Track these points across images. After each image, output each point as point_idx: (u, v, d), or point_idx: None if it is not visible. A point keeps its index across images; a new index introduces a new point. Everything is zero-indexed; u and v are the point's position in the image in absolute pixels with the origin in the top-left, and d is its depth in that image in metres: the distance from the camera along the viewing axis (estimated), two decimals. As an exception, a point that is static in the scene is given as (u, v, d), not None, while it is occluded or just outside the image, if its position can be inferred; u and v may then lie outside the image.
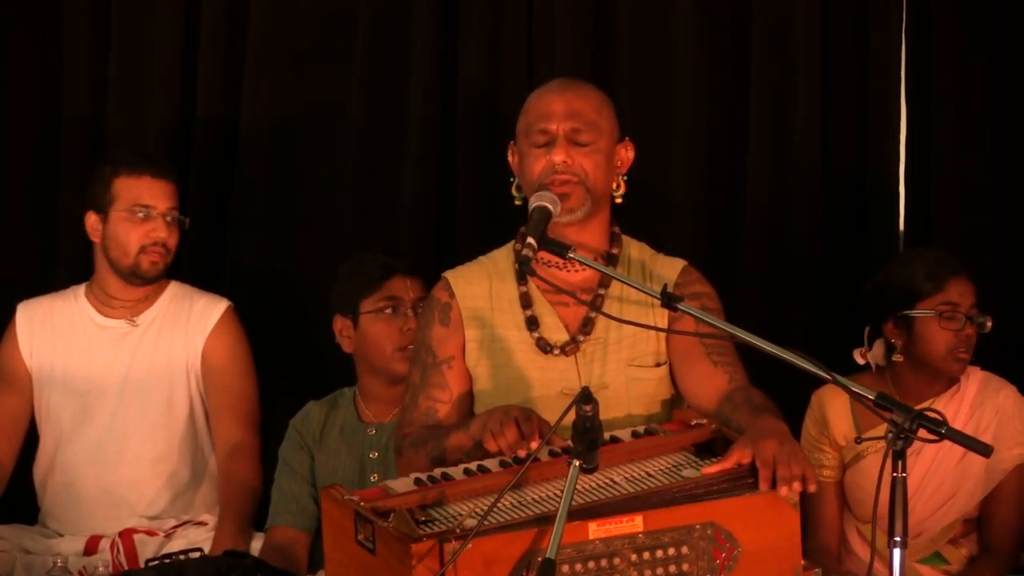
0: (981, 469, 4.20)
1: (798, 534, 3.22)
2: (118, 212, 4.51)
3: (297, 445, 4.47)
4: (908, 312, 4.21)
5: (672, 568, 3.13)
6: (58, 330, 4.58)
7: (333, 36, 5.09)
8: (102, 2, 5.14)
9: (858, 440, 4.13)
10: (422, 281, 4.38)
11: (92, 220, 4.55)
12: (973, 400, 4.25)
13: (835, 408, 4.28)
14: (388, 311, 4.39)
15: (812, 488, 3.20)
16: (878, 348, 4.30)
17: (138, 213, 4.51)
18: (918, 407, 3.16)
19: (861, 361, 4.31)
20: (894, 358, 4.24)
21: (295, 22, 5.10)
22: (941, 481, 4.21)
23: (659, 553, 3.13)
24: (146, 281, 4.55)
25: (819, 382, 3.87)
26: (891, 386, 4.25)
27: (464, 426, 3.58)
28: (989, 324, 4.22)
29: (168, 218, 4.53)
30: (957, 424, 4.12)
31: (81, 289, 4.64)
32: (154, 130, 5.09)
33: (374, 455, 4.42)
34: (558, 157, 3.62)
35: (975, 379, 4.28)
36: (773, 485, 3.18)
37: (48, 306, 4.61)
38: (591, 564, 3.09)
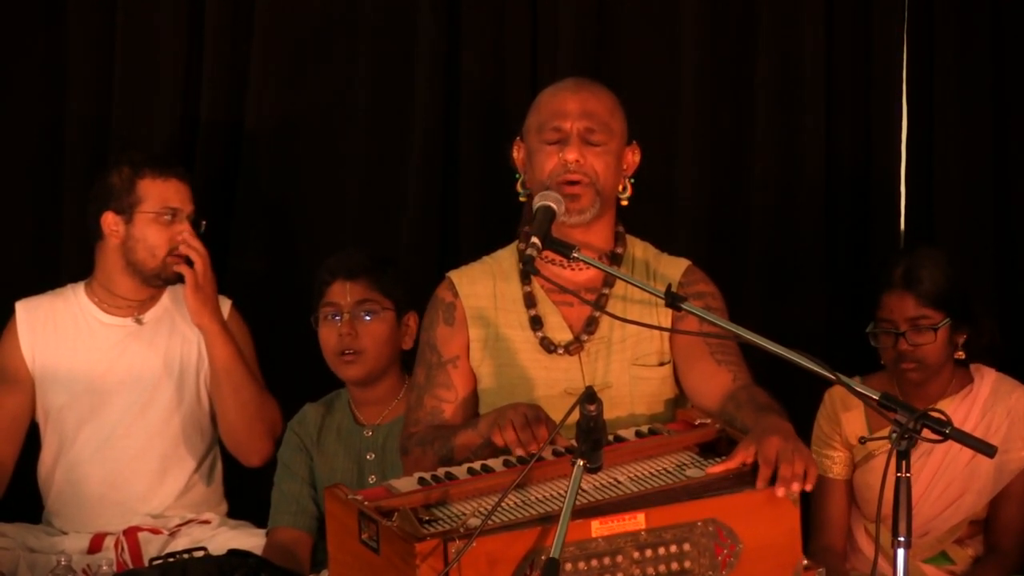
0: (990, 470, 4.19)
1: (798, 530, 3.22)
2: (144, 214, 4.49)
3: (296, 447, 4.48)
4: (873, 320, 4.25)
5: (674, 565, 3.13)
6: (60, 329, 4.57)
7: (336, 38, 5.10)
8: (107, 3, 5.14)
9: (862, 440, 4.13)
10: (369, 283, 4.38)
11: (111, 220, 4.51)
12: (985, 401, 4.25)
13: (848, 407, 4.28)
14: (329, 317, 4.41)
15: (809, 486, 3.20)
16: None
17: (165, 216, 4.51)
18: (928, 407, 3.17)
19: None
20: (882, 361, 4.26)
21: (299, 23, 5.10)
22: (950, 481, 4.21)
23: (661, 550, 3.13)
24: (167, 283, 4.55)
25: (825, 381, 3.87)
26: (896, 386, 4.25)
27: (472, 424, 3.58)
28: (923, 342, 4.16)
29: (191, 220, 4.53)
30: (968, 425, 4.13)
31: (80, 288, 4.62)
32: (158, 131, 5.10)
33: (371, 457, 4.43)
34: (571, 155, 3.62)
35: (988, 380, 4.27)
36: (772, 482, 3.18)
37: (49, 305, 4.59)
38: (594, 562, 3.09)
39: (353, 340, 4.36)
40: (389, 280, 4.40)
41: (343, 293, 4.39)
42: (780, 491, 3.17)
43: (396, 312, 4.40)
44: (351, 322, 4.37)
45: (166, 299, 4.62)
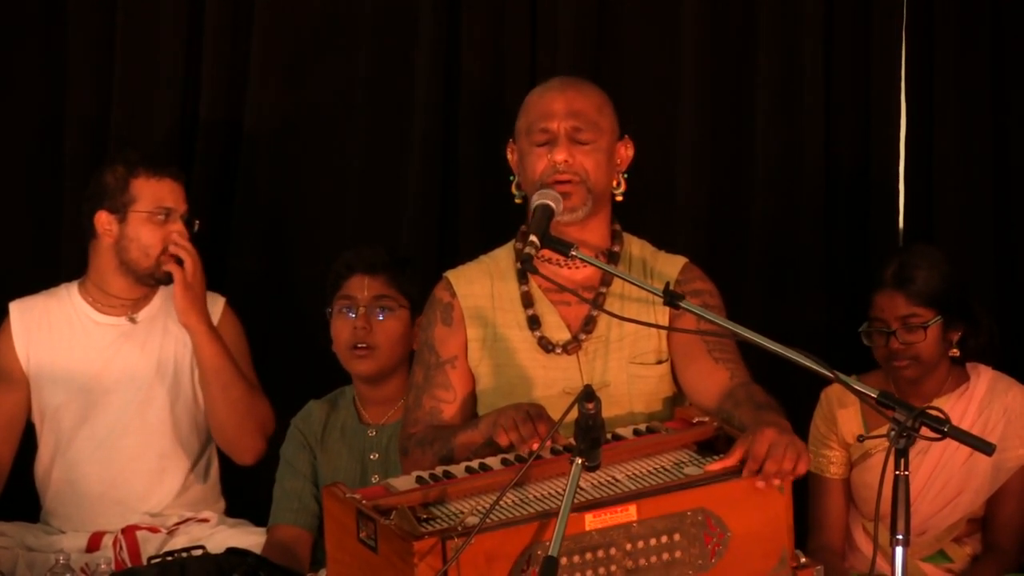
0: (988, 468, 4.19)
1: (783, 517, 3.23)
2: (138, 213, 4.50)
3: (299, 444, 4.48)
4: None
5: (665, 555, 3.15)
6: (55, 329, 4.57)
7: (336, 37, 5.10)
8: (107, 3, 5.14)
9: (860, 439, 4.12)
10: (387, 280, 4.39)
11: (105, 219, 4.51)
12: (982, 399, 4.25)
13: (845, 406, 4.29)
14: (344, 310, 4.41)
15: (801, 470, 3.20)
16: None
17: (159, 215, 4.51)
18: (925, 405, 3.17)
19: None
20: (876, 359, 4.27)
21: (299, 22, 5.11)
22: (947, 479, 4.21)
23: (653, 541, 3.14)
24: (160, 283, 4.55)
25: (823, 380, 3.87)
26: (891, 385, 4.25)
27: (472, 424, 3.57)
28: (914, 340, 4.18)
29: (184, 220, 4.53)
30: (965, 423, 4.13)
31: (74, 287, 4.62)
32: (158, 130, 5.10)
33: (375, 456, 4.43)
34: (560, 156, 3.62)
35: (985, 378, 4.27)
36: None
37: (43, 305, 4.60)
38: (588, 555, 3.10)
39: (367, 335, 4.36)
40: (407, 279, 4.41)
41: (361, 287, 4.39)
42: (760, 484, 3.18)
43: (411, 311, 4.40)
44: (366, 317, 4.37)
45: (159, 298, 4.61)
